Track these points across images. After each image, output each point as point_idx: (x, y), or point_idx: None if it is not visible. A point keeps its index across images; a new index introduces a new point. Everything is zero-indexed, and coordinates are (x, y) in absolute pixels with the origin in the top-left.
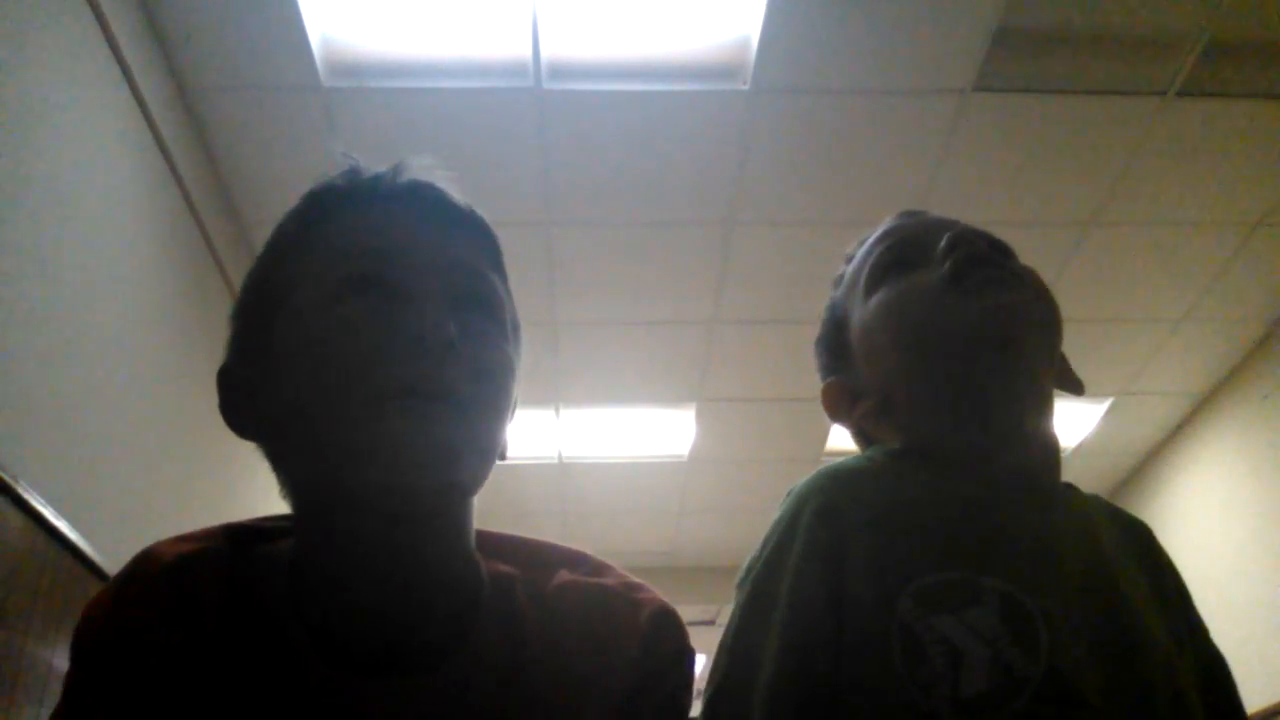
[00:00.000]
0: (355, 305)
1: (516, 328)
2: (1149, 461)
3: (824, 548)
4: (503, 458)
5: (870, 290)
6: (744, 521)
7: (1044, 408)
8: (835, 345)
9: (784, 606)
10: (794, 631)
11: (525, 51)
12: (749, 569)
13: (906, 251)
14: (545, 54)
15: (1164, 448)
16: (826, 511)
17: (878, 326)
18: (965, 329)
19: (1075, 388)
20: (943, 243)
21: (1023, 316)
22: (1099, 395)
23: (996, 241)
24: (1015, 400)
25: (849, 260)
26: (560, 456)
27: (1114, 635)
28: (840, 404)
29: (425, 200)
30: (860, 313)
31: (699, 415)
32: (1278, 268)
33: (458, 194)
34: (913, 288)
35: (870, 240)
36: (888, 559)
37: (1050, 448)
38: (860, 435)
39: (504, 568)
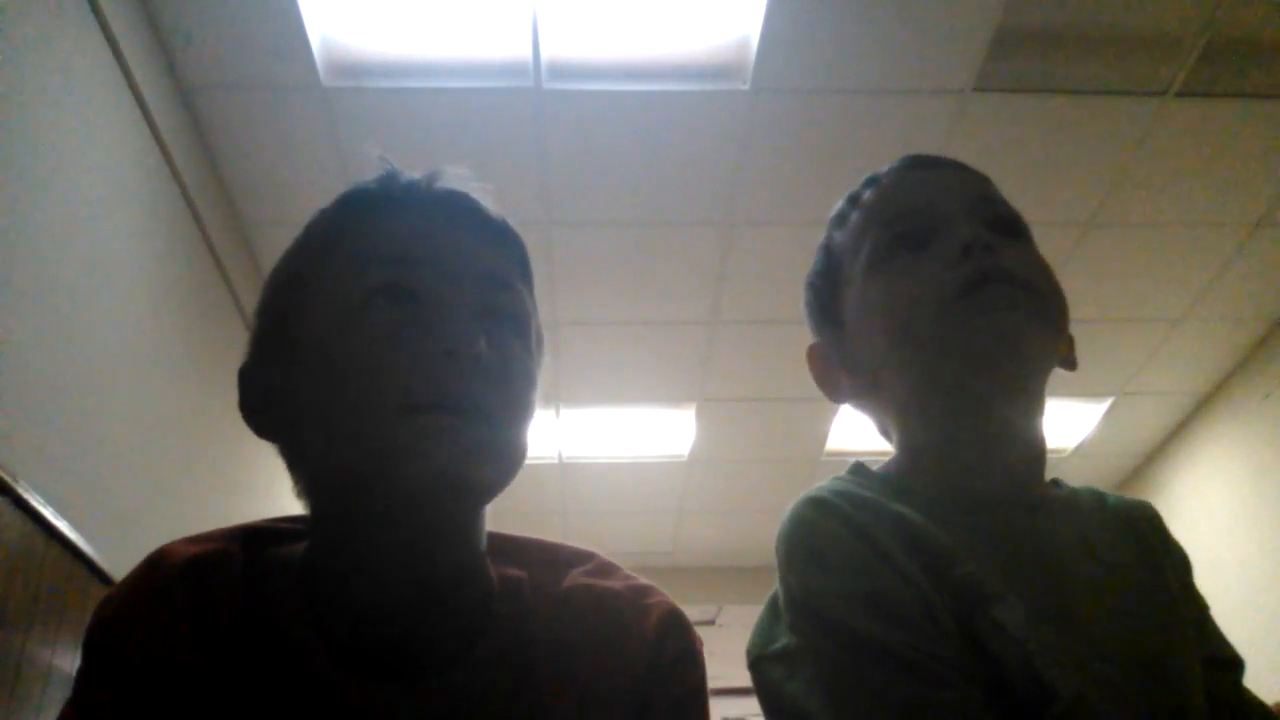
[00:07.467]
0: (385, 313)
1: (540, 341)
2: (1149, 461)
3: (870, 555)
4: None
5: (872, 266)
6: (744, 521)
7: (1032, 409)
8: (828, 302)
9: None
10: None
11: (525, 51)
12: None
13: (915, 227)
14: (545, 54)
15: (1164, 448)
16: (852, 529)
17: (875, 325)
18: (965, 347)
19: (1069, 365)
20: (957, 246)
21: (1024, 341)
22: (1099, 395)
23: (1011, 221)
24: (1005, 408)
25: (853, 202)
26: (560, 456)
27: (1128, 655)
28: (827, 373)
29: (459, 209)
30: (859, 290)
31: (699, 415)
32: (1278, 268)
33: (491, 204)
34: (916, 289)
35: (878, 194)
36: (924, 558)
37: (1036, 448)
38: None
39: (514, 571)
